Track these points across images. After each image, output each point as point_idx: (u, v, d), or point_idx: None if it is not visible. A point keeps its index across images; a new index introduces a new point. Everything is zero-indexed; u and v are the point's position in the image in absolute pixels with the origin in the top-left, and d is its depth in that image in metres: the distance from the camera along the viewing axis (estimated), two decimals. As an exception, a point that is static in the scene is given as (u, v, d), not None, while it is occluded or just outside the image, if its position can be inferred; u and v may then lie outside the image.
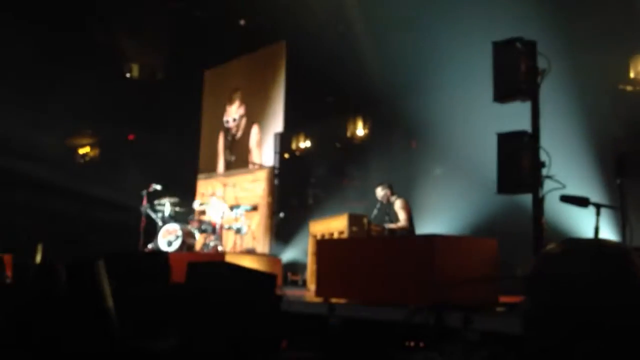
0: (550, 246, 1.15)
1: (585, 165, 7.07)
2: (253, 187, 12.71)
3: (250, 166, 12.97)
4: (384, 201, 8.00)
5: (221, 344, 3.22)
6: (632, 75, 8.09)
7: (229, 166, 13.78)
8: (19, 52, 12.21)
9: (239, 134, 13.68)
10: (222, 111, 14.28)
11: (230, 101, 14.10)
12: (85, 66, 13.13)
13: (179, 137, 14.51)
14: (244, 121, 13.66)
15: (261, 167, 12.67)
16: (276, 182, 12.52)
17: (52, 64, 12.52)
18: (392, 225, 7.76)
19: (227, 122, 14.01)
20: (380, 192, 8.03)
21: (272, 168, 12.51)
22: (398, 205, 7.83)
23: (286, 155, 12.71)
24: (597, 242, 1.14)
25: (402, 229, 7.67)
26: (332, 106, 12.50)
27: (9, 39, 11.93)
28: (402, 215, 7.75)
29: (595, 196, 5.11)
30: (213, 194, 11.38)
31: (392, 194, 7.99)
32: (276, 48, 12.94)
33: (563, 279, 1.08)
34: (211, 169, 14.24)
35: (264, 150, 12.89)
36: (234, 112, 13.94)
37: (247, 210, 11.21)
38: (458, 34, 8.03)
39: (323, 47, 10.71)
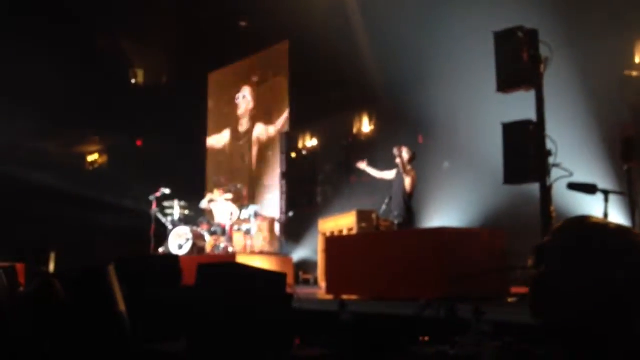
0: (561, 223, 1.24)
1: (593, 152, 7.03)
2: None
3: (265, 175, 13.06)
4: (397, 156, 7.58)
5: (233, 345, 3.24)
6: (637, 60, 8.03)
7: (235, 167, 13.85)
8: (26, 61, 12.29)
9: (245, 135, 13.72)
10: (227, 112, 14.32)
11: (237, 102, 14.15)
12: (90, 73, 13.20)
13: (186, 141, 14.55)
14: (249, 121, 13.70)
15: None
16: (283, 179, 12.54)
17: (58, 72, 12.59)
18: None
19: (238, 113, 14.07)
20: (404, 152, 7.57)
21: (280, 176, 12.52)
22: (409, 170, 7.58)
23: (293, 155, 12.71)
24: (603, 221, 1.21)
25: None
26: (337, 103, 12.51)
27: (16, 48, 12.02)
28: (407, 181, 7.46)
29: (603, 183, 5.08)
30: (220, 193, 11.44)
31: (410, 162, 7.62)
32: (279, 48, 12.95)
33: (576, 252, 1.17)
34: (219, 170, 14.30)
35: (273, 150, 12.95)
36: (241, 107, 14.02)
37: (256, 212, 11.22)
38: (459, 25, 8.00)
39: (326, 45, 10.71)
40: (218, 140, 14.59)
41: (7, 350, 3.08)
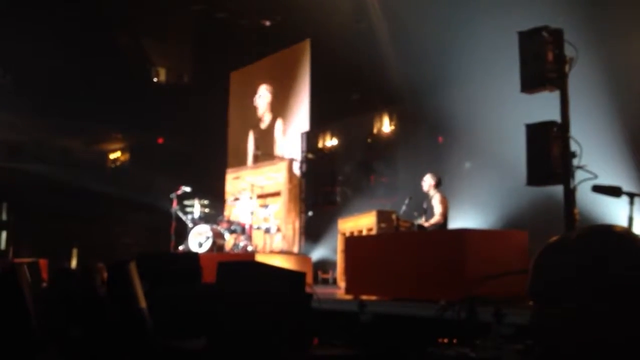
0: (555, 238, 1.06)
1: (618, 154, 6.90)
2: (276, 176, 12.94)
3: (276, 159, 13.22)
4: (426, 189, 7.83)
5: (251, 343, 3.24)
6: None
7: (256, 161, 13.97)
8: (49, 60, 12.46)
9: (265, 130, 13.79)
10: (249, 111, 14.38)
11: (256, 97, 14.24)
12: (114, 72, 13.35)
13: (207, 139, 14.64)
14: (269, 118, 13.77)
15: (282, 158, 12.93)
16: (303, 179, 12.60)
17: (81, 70, 12.75)
18: (425, 223, 7.64)
19: (258, 114, 14.19)
20: (428, 179, 7.82)
21: (291, 160, 12.76)
22: (437, 199, 7.66)
23: (313, 155, 12.73)
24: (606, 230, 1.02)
25: (435, 224, 7.56)
26: (358, 103, 12.48)
27: (40, 46, 12.19)
28: (437, 210, 7.58)
29: (628, 185, 4.99)
30: (241, 191, 11.54)
31: (436, 186, 7.86)
32: (300, 47, 12.96)
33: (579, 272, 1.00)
34: (239, 169, 14.38)
35: (289, 145, 13.02)
36: (261, 107, 14.10)
37: (275, 211, 11.24)
38: (482, 25, 7.91)
39: (347, 44, 10.68)
40: (240, 138, 14.67)
41: (33, 339, 3.13)
